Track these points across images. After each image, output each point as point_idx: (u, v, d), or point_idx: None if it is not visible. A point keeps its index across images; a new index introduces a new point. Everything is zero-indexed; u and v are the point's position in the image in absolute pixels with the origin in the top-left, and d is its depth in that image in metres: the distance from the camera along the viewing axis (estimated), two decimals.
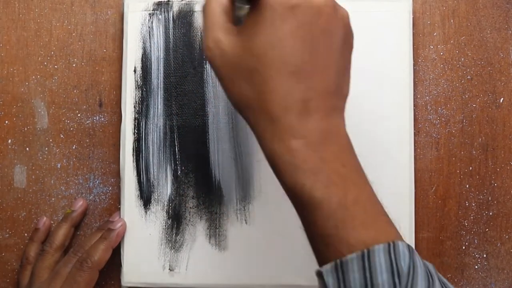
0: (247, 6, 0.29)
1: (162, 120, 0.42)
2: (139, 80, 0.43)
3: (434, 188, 0.43)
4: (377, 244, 0.26)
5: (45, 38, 0.45)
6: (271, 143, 0.27)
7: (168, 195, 0.42)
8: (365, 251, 0.26)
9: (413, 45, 0.43)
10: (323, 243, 0.27)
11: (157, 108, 0.42)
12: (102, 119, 0.44)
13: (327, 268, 0.26)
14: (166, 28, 0.43)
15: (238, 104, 0.29)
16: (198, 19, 0.43)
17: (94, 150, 0.44)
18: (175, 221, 0.42)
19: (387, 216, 0.29)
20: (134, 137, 0.42)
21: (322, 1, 0.27)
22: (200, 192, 0.42)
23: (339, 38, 0.28)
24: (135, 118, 0.42)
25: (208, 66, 0.42)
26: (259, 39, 0.27)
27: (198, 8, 0.43)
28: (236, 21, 0.29)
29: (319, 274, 0.27)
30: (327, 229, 0.27)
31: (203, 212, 0.42)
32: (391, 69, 0.42)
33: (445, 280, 0.28)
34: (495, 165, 0.43)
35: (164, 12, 0.43)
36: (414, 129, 0.43)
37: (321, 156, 0.27)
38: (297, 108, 0.27)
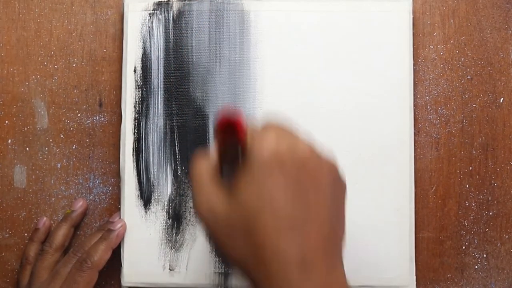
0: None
1: (162, 120, 0.42)
2: (139, 80, 0.43)
3: (434, 188, 0.43)
4: None
5: (45, 38, 0.45)
6: None
7: (168, 195, 0.42)
8: None
9: (413, 45, 0.43)
10: None
11: (157, 108, 0.42)
12: (102, 119, 0.44)
13: None
14: (166, 28, 0.43)
15: (234, 262, 0.28)
16: (198, 19, 0.43)
17: (94, 150, 0.44)
18: (175, 221, 0.42)
19: None
20: (134, 137, 0.42)
21: (307, 153, 0.27)
22: None
23: (328, 186, 0.28)
24: (135, 118, 0.42)
25: (208, 67, 0.43)
26: (249, 197, 0.27)
27: (197, 8, 0.43)
28: (225, 177, 0.30)
29: None
30: None
31: None
32: (391, 69, 0.42)
33: None
34: (495, 165, 0.43)
35: (164, 12, 0.43)
36: (414, 129, 0.43)
37: None
38: (296, 263, 0.26)
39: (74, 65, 0.45)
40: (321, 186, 0.28)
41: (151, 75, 0.43)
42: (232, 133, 0.26)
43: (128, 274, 0.42)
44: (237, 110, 0.27)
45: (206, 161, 0.30)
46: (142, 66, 0.43)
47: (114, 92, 0.44)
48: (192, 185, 0.30)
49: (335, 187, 0.29)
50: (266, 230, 0.26)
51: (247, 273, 0.28)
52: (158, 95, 0.43)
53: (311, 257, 0.26)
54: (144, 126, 0.42)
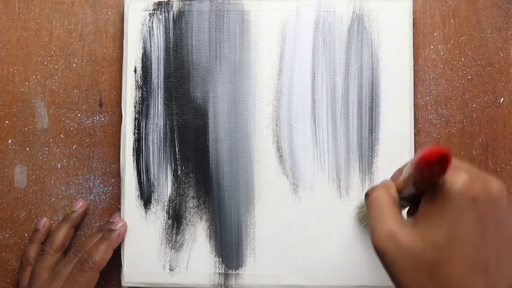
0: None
1: (162, 120, 0.42)
2: (139, 80, 0.43)
3: None
4: None
5: (45, 38, 0.45)
6: None
7: (168, 195, 0.42)
8: None
9: (413, 45, 0.43)
10: None
11: (157, 108, 0.42)
12: (102, 119, 0.44)
13: None
14: (166, 28, 0.43)
15: None
16: (198, 19, 0.43)
17: (94, 150, 0.44)
18: (175, 221, 0.42)
19: None
20: (134, 137, 0.42)
21: (498, 190, 0.27)
22: (200, 192, 0.42)
23: None
24: (135, 118, 0.42)
25: (208, 67, 0.43)
26: (440, 231, 0.26)
27: (198, 8, 0.43)
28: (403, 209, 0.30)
29: None
30: None
31: (203, 212, 0.42)
32: (391, 69, 0.42)
33: None
34: (495, 165, 0.43)
35: (164, 12, 0.43)
36: (414, 129, 0.43)
37: None
38: None
39: (74, 65, 0.45)
40: (509, 229, 0.27)
41: (151, 75, 0.43)
42: (435, 167, 0.26)
43: (128, 274, 0.42)
44: (446, 146, 0.28)
45: (388, 191, 0.30)
46: (142, 66, 0.43)
47: (114, 92, 0.44)
48: (370, 213, 0.29)
49: None
50: (454, 266, 0.26)
51: None
52: (158, 95, 0.43)
53: None
54: (144, 126, 0.42)
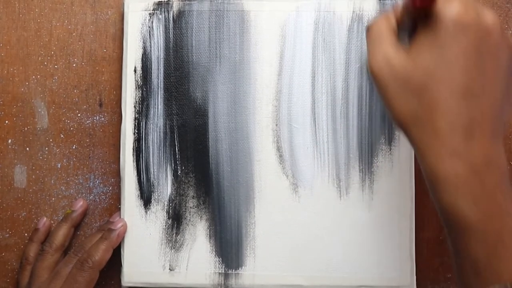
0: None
1: (162, 120, 0.42)
2: (139, 80, 0.43)
3: None
4: None
5: (45, 38, 0.45)
6: (435, 161, 0.28)
7: (168, 195, 0.42)
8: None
9: None
10: (472, 271, 0.27)
11: (157, 108, 0.42)
12: (102, 119, 0.44)
13: None
14: (166, 28, 0.43)
15: (402, 119, 0.29)
16: (198, 19, 0.43)
17: (94, 150, 0.44)
18: (175, 221, 0.42)
19: None
20: (134, 137, 0.42)
21: (491, 22, 0.28)
22: (200, 192, 0.42)
23: (506, 60, 0.28)
24: (135, 118, 0.42)
25: (208, 67, 0.43)
26: (431, 56, 0.28)
27: (198, 8, 0.43)
28: (401, 40, 0.30)
29: None
30: (479, 256, 0.27)
31: (203, 212, 0.42)
32: None
33: None
34: None
35: (164, 12, 0.43)
36: None
37: (482, 182, 0.27)
38: (464, 128, 0.27)
39: (74, 65, 0.45)
40: (500, 60, 0.28)
41: (151, 75, 0.43)
42: None
43: (128, 274, 0.42)
44: None
45: (387, 20, 0.30)
46: (142, 66, 0.43)
47: (114, 92, 0.44)
48: (369, 40, 0.30)
49: (511, 65, 0.29)
50: (442, 90, 0.27)
51: (409, 131, 0.29)
52: (158, 95, 0.43)
53: (478, 125, 0.27)
54: (144, 126, 0.42)
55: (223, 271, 0.42)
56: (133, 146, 0.42)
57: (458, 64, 0.27)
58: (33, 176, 0.44)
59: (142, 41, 0.43)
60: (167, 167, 0.42)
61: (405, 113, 0.28)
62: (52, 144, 0.44)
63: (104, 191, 0.44)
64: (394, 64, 0.29)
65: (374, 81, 0.30)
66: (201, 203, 0.42)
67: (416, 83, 0.28)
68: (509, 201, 0.27)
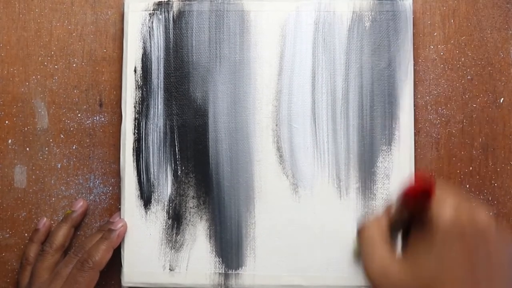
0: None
1: (162, 120, 0.42)
2: (139, 80, 0.43)
3: None
4: None
5: (45, 38, 0.45)
6: None
7: (168, 195, 0.42)
8: None
9: (413, 45, 0.43)
10: None
11: (157, 108, 0.42)
12: (102, 119, 0.44)
13: None
14: (166, 28, 0.43)
15: None
16: (198, 19, 0.43)
17: (94, 150, 0.44)
18: (175, 221, 0.42)
19: None
20: (134, 137, 0.42)
21: (485, 224, 0.27)
22: (200, 192, 0.42)
23: (506, 255, 0.28)
24: (135, 118, 0.42)
25: (208, 67, 0.43)
26: (428, 266, 0.27)
27: (198, 8, 0.43)
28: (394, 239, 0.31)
29: None
30: None
31: (203, 212, 0.42)
32: (392, 69, 0.42)
33: None
34: (495, 165, 0.43)
35: (164, 12, 0.43)
36: (414, 129, 0.43)
37: None
38: None
39: (74, 65, 0.45)
40: (499, 256, 0.27)
41: (151, 75, 0.43)
42: (420, 200, 0.26)
43: (128, 274, 0.42)
44: (430, 177, 0.29)
45: (379, 227, 0.30)
46: (142, 66, 0.43)
47: (114, 92, 0.44)
48: (364, 250, 0.30)
49: (510, 261, 0.29)
50: None
51: None
52: (158, 95, 0.43)
53: None
54: (144, 126, 0.42)
55: (223, 271, 0.42)
56: (133, 146, 0.42)
57: (457, 273, 0.26)
58: (33, 176, 0.44)
59: (142, 41, 0.43)
60: (167, 167, 0.42)
61: None
62: (52, 144, 0.44)
63: (104, 191, 0.44)
64: (390, 275, 0.28)
65: None
66: (201, 203, 0.42)
67: None
68: None
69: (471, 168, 0.43)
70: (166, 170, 0.42)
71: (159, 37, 0.43)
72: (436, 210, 0.27)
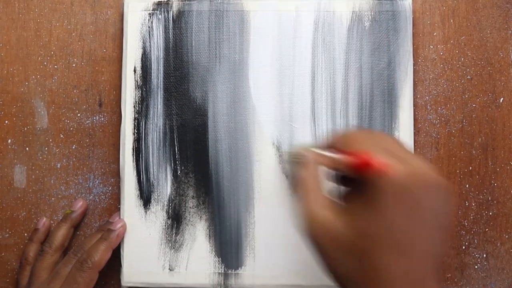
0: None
1: (162, 120, 0.42)
2: (139, 80, 0.43)
3: None
4: None
5: (45, 38, 0.45)
6: None
7: (168, 195, 0.42)
8: None
9: (413, 45, 0.43)
10: None
11: (157, 108, 0.42)
12: (102, 119, 0.44)
13: None
14: (166, 28, 0.43)
15: (340, 279, 0.28)
16: (198, 19, 0.43)
17: (94, 150, 0.44)
18: (175, 221, 0.42)
19: None
20: (134, 137, 0.42)
21: (433, 180, 0.27)
22: (199, 192, 0.42)
23: (444, 215, 0.28)
24: (135, 118, 0.42)
25: (208, 67, 0.43)
26: (370, 220, 0.27)
27: (197, 8, 0.43)
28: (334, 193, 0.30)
29: None
30: None
31: (202, 212, 0.42)
32: (391, 69, 0.42)
33: None
34: (495, 165, 0.43)
35: (164, 12, 0.43)
36: (414, 129, 0.43)
37: None
38: (410, 286, 0.27)
39: (74, 65, 0.45)
40: (439, 216, 0.28)
41: (151, 75, 0.43)
42: (362, 169, 0.27)
43: (128, 274, 0.42)
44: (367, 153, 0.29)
45: (315, 172, 0.30)
46: (142, 66, 0.43)
47: (114, 92, 0.44)
48: (299, 197, 0.29)
49: (448, 217, 0.29)
50: (381, 252, 0.27)
51: None
52: (158, 95, 0.43)
53: (422, 282, 0.27)
54: (144, 126, 0.42)
55: (222, 271, 0.42)
56: (133, 146, 0.42)
57: (398, 227, 0.27)
58: (33, 176, 0.44)
59: (141, 41, 0.43)
60: (166, 167, 0.42)
61: (342, 274, 0.28)
62: (51, 144, 0.44)
63: (104, 191, 0.44)
64: (328, 228, 0.28)
65: (312, 245, 0.29)
66: (201, 203, 0.42)
67: (353, 246, 0.27)
68: None
69: (470, 168, 0.43)
70: (166, 170, 0.42)
71: (158, 37, 0.43)
72: (377, 171, 0.27)
